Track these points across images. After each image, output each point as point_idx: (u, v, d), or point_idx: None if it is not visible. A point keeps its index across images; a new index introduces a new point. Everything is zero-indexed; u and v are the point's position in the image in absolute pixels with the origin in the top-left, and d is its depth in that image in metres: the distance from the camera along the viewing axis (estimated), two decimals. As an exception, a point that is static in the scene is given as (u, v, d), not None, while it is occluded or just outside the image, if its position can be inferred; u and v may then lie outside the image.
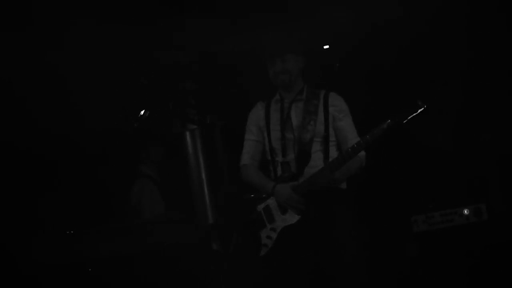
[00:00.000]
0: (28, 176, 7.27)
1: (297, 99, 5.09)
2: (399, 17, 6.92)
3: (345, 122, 5.08)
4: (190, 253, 6.52)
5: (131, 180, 7.39)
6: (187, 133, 7.62)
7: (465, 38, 7.23)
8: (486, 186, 7.38)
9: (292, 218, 4.97)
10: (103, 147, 7.73)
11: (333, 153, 5.07)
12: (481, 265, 6.58)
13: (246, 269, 5.30)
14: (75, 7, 6.38)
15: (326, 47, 7.51)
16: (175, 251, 6.44)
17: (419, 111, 4.64)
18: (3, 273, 6.07)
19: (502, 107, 7.36)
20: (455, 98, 7.50)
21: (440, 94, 4.78)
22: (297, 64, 5.09)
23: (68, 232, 6.25)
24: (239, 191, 7.11)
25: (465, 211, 6.80)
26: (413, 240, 6.91)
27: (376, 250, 6.80)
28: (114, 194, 7.50)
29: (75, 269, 6.19)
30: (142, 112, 7.49)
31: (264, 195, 5.11)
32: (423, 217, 6.90)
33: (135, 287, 6.24)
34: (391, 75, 7.46)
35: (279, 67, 5.05)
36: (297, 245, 4.98)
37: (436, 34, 7.20)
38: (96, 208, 7.36)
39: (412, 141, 7.40)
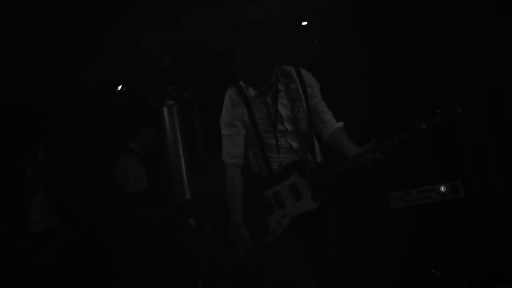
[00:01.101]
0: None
1: (279, 90, 4.99)
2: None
3: (319, 99, 5.07)
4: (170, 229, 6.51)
5: (117, 153, 7.34)
6: (165, 109, 7.60)
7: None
8: (463, 163, 7.43)
9: (308, 205, 4.92)
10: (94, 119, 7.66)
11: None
12: (458, 242, 6.62)
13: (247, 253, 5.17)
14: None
15: (304, 23, 7.48)
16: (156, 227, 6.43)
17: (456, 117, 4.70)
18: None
19: (477, 86, 7.42)
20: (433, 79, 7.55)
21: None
22: (275, 69, 4.91)
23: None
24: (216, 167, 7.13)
25: (442, 188, 6.82)
26: (390, 216, 6.94)
27: (354, 227, 6.82)
28: (102, 165, 7.44)
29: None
30: (119, 88, 7.45)
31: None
32: (400, 194, 6.91)
33: (118, 260, 6.25)
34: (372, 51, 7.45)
35: (262, 88, 4.89)
36: (309, 233, 4.96)
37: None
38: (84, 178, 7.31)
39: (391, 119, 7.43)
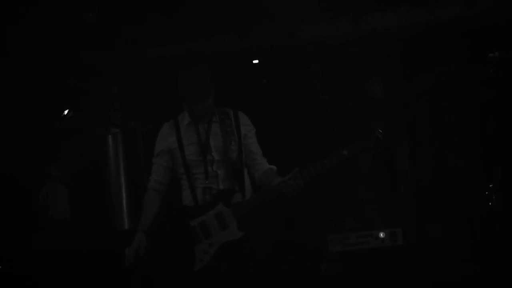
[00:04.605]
0: None
1: (213, 121, 5.10)
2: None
3: (254, 140, 5.17)
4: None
5: (41, 180, 7.28)
6: (110, 137, 7.57)
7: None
8: (403, 211, 7.50)
9: (233, 234, 4.96)
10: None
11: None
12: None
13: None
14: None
15: (255, 61, 7.52)
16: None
17: (378, 144, 4.74)
18: None
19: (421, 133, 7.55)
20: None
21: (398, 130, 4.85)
22: (212, 97, 5.07)
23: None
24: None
25: (381, 234, 6.87)
26: (328, 258, 6.96)
27: (292, 267, 6.83)
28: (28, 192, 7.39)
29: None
30: (65, 112, 7.40)
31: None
32: (338, 237, 6.94)
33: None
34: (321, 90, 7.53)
35: (198, 108, 5.03)
36: (236, 262, 4.98)
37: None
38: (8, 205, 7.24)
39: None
